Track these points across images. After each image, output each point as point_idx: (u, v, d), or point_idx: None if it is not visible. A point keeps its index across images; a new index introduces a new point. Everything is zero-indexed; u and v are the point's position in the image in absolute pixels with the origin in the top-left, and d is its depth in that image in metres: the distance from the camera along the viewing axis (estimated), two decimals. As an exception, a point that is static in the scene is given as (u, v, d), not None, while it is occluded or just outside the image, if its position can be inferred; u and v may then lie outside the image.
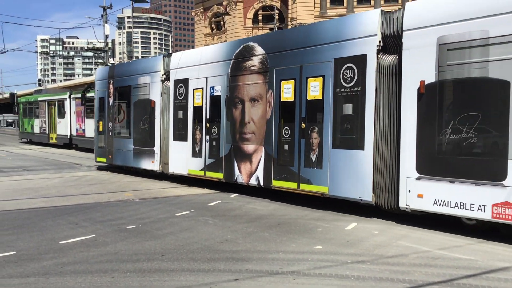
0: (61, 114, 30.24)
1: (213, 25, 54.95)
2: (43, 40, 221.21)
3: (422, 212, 8.36)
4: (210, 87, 12.88)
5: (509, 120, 7.11)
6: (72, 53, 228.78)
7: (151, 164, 15.10)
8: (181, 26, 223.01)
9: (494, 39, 7.25)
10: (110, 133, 17.36)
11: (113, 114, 17.15)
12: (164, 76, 14.66)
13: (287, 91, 10.74)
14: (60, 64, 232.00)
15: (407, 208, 8.42)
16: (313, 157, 10.13)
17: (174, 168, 14.18)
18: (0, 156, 24.63)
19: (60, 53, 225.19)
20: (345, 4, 44.44)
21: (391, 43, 8.87)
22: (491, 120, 7.38)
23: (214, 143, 12.75)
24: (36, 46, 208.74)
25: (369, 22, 9.19)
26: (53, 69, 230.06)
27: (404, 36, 8.49)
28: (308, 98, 10.26)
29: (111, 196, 12.03)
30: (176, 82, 14.03)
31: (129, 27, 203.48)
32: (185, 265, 6.18)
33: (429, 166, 8.07)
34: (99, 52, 35.67)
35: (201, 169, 13.14)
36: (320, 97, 9.98)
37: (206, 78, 13.00)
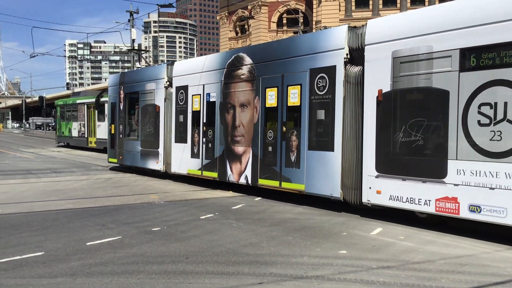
0: (102, 117, 28.74)
1: (237, 28, 55.16)
2: (71, 45, 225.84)
3: (380, 206, 9.24)
4: (207, 94, 13.97)
5: (448, 125, 8.01)
6: (99, 57, 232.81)
7: (156, 164, 16.19)
8: (206, 30, 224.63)
9: (437, 53, 8.19)
10: (121, 136, 18.53)
11: (123, 118, 18.32)
12: (168, 83, 15.76)
13: (271, 97, 11.74)
14: (88, 68, 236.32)
15: (368, 203, 9.40)
16: (292, 158, 11.10)
17: (176, 168, 15.26)
18: (29, 159, 25.19)
19: (88, 57, 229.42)
20: (370, 7, 44.09)
21: (357, 55, 9.78)
22: (434, 125, 8.29)
23: (210, 145, 13.83)
24: (65, 51, 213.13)
25: (337, 37, 10.14)
26: (80, 73, 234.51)
27: (366, 49, 9.45)
28: (288, 104, 11.26)
29: (137, 198, 12.18)
30: (178, 88, 15.19)
31: (155, 32, 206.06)
32: (209, 268, 6.21)
33: (385, 166, 9.03)
34: (141, 52, 35.26)
35: (199, 169, 14.20)
36: (298, 104, 10.97)
37: (203, 85, 14.07)
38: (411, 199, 8.56)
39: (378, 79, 9.15)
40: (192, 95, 14.52)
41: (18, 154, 28.08)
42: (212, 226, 8.77)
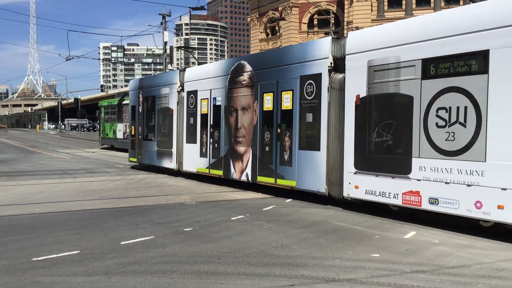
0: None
1: (268, 30, 55.18)
2: (105, 47, 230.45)
3: (358, 200, 10.25)
4: (213, 98, 15.03)
5: (412, 126, 8.92)
6: (132, 60, 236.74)
7: (170, 163, 17.34)
8: (237, 31, 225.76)
9: (403, 63, 9.12)
10: (140, 136, 19.76)
11: (142, 120, 19.54)
12: (180, 87, 16.91)
13: (268, 102, 12.78)
14: (121, 70, 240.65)
15: (348, 197, 10.42)
16: (286, 157, 12.12)
17: (187, 166, 16.36)
18: (65, 159, 25.83)
19: (121, 59, 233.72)
20: (403, 6, 43.42)
21: (340, 64, 10.74)
22: (401, 127, 9.22)
23: (216, 145, 14.89)
24: (99, 53, 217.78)
25: (323, 47, 11.12)
26: (114, 75, 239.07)
27: (346, 59, 10.42)
28: (282, 108, 12.27)
29: (169, 198, 12.33)
30: (188, 93, 16.30)
31: (187, 34, 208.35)
32: (241, 269, 6.23)
33: (362, 163, 10.05)
34: (190, 50, 34.87)
35: (207, 167, 15.27)
36: (291, 107, 11.98)
37: (211, 90, 15.14)
38: (383, 193, 9.56)
39: (356, 85, 10.11)
40: (201, 99, 15.61)
41: (54, 155, 28.84)
42: (243, 227, 8.80)
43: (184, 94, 16.52)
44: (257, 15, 55.75)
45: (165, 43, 36.89)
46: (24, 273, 6.03)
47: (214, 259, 6.69)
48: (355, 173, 10.20)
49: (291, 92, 11.95)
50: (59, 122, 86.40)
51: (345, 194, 10.49)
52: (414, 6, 43.15)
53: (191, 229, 8.63)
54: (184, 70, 16.96)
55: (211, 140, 15.10)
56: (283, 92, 12.21)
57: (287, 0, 49.90)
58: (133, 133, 20.49)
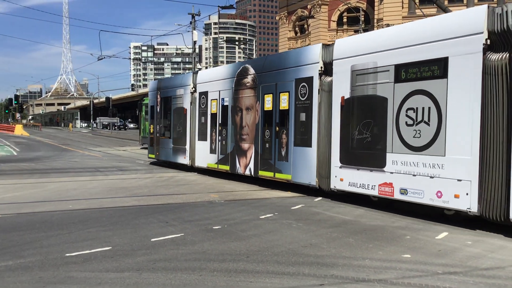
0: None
1: (297, 28, 54.91)
2: (135, 47, 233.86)
3: (343, 191, 11.25)
4: (222, 98, 16.12)
5: (387, 124, 9.98)
6: (162, 59, 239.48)
7: (184, 159, 18.55)
8: (265, 30, 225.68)
9: (380, 68, 10.15)
10: (158, 134, 21.04)
11: (160, 119, 20.84)
12: (193, 89, 18.05)
13: (268, 102, 13.82)
14: (151, 69, 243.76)
15: (334, 188, 11.44)
16: (283, 153, 13.17)
17: (199, 162, 17.63)
18: (97, 157, 26.33)
19: (151, 59, 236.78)
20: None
21: (329, 68, 11.68)
22: (378, 125, 10.27)
23: (224, 142, 15.99)
24: (130, 53, 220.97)
25: (314, 53, 12.18)
26: (144, 74, 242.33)
27: (333, 63, 11.44)
28: (280, 108, 13.32)
29: (198, 196, 12.43)
30: (200, 94, 17.52)
31: (215, 33, 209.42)
32: (270, 268, 6.23)
33: (346, 158, 11.09)
34: (237, 44, 34.57)
35: (215, 163, 16.43)
36: (287, 108, 13.03)
37: (219, 91, 16.25)
38: (363, 185, 10.60)
39: (341, 87, 11.14)
40: (211, 100, 16.79)
41: (86, 153, 29.44)
42: (271, 226, 8.80)
43: (197, 95, 17.73)
44: (285, 13, 55.56)
45: (194, 42, 37.16)
46: (57, 268, 6.17)
47: (243, 257, 6.71)
48: (340, 167, 11.24)
49: (287, 93, 13.02)
50: (91, 120, 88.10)
51: (332, 186, 11.50)
52: (446, 2, 42.25)
53: (220, 227, 8.68)
54: (196, 72, 18.31)
55: (219, 137, 16.22)
56: (280, 94, 13.30)
57: (316, -2, 49.57)
58: (151, 131, 21.82)
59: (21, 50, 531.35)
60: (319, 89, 11.95)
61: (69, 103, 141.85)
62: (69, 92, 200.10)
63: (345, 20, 49.60)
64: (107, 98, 66.57)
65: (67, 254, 6.77)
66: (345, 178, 11.09)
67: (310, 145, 12.19)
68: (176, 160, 19.20)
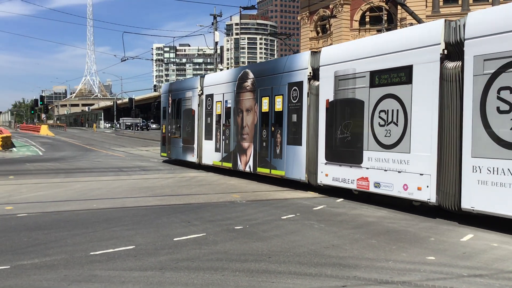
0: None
1: (318, 28, 54.66)
2: (158, 48, 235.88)
3: (328, 186, 12.34)
4: (225, 100, 17.29)
5: (363, 125, 11.04)
6: (184, 60, 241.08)
7: (192, 157, 19.78)
8: (287, 30, 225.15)
9: (358, 74, 11.28)
10: (169, 134, 22.30)
11: (171, 120, 22.11)
12: (201, 91, 19.25)
13: (265, 104, 14.96)
14: (173, 70, 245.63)
15: (321, 183, 12.55)
16: (278, 151, 14.27)
17: (205, 160, 18.83)
18: (120, 157, 26.65)
19: (173, 60, 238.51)
20: (459, 2, 41.86)
21: (317, 74, 12.78)
22: (356, 125, 11.32)
23: (227, 141, 17.14)
24: (152, 54, 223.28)
25: (304, 59, 13.32)
26: (166, 75, 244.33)
27: (320, 69, 12.56)
28: (275, 110, 14.42)
29: (219, 197, 12.47)
30: (206, 96, 18.76)
31: (237, 34, 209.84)
32: (292, 268, 6.21)
33: (330, 155, 12.22)
34: (283, 38, 34.34)
35: (220, 160, 17.58)
36: (281, 109, 14.13)
37: (223, 93, 17.45)
38: (344, 179, 11.72)
39: (327, 91, 12.25)
40: (216, 102, 17.98)
41: (109, 153, 29.83)
42: (293, 227, 8.78)
43: (203, 97, 18.98)
44: (307, 13, 55.37)
45: (216, 43, 37.32)
46: (82, 266, 6.26)
47: (264, 257, 6.71)
48: (325, 163, 12.35)
49: (281, 96, 14.12)
50: (114, 121, 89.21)
51: (318, 181, 12.61)
52: (471, 1, 41.51)
53: (241, 227, 8.69)
54: (203, 76, 19.53)
55: (223, 137, 17.43)
56: (276, 96, 14.40)
57: (338, -2, 49.24)
58: (163, 131, 23.11)
59: (46, 51, 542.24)
60: (308, 93, 13.03)
61: (93, 104, 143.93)
62: (93, 93, 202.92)
63: (367, 19, 49.20)
64: (130, 99, 67.26)
65: (92, 253, 6.87)
66: (329, 173, 12.19)
67: (300, 144, 13.24)
68: (185, 158, 20.41)
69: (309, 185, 13.16)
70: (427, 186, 9.55)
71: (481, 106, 8.54)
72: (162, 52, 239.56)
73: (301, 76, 13.30)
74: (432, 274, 5.98)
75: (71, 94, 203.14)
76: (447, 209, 9.29)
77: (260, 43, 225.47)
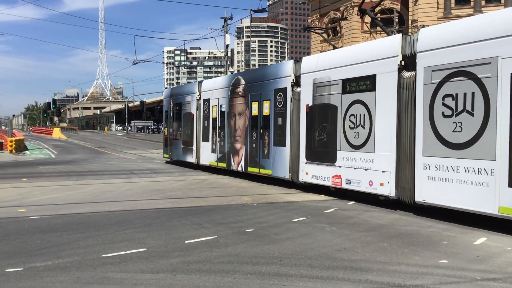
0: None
1: (329, 31, 54.55)
2: (169, 51, 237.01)
3: (308, 183, 13.46)
4: (220, 105, 18.54)
5: (337, 128, 12.24)
6: (194, 63, 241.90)
7: (191, 158, 21.02)
8: (297, 33, 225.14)
9: (332, 81, 12.47)
10: (171, 136, 23.61)
11: (172, 123, 23.34)
12: (199, 96, 20.53)
13: (255, 109, 16.15)
14: (184, 73, 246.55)
15: (302, 180, 13.70)
16: (265, 151, 15.45)
17: (203, 160, 20.07)
18: (131, 160, 26.79)
19: (184, 63, 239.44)
20: (472, 3, 41.53)
21: (298, 81, 13.94)
22: (331, 128, 12.52)
23: (222, 143, 18.40)
24: (163, 57, 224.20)
25: (287, 68, 14.57)
26: (177, 78, 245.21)
27: (301, 77, 13.80)
28: (263, 114, 15.62)
29: (230, 199, 12.48)
30: (204, 101, 20.02)
31: (247, 36, 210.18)
32: (303, 271, 6.19)
33: (310, 155, 13.37)
34: (320, 32, 34.03)
35: (215, 161, 18.85)
36: (268, 113, 15.34)
37: (218, 98, 18.73)
38: (321, 177, 12.86)
39: (307, 97, 13.44)
40: (212, 106, 19.20)
41: (121, 155, 29.99)
42: (305, 230, 8.75)
43: (201, 102, 20.22)
44: (318, 16, 55.28)
45: (227, 46, 37.40)
46: (94, 268, 6.30)
47: (276, 260, 6.69)
48: (306, 163, 13.50)
49: (269, 101, 15.30)
50: (126, 124, 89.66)
51: (300, 179, 13.77)
52: (483, 3, 41.17)
53: (252, 230, 8.68)
54: (201, 82, 20.82)
55: (218, 139, 18.65)
56: (264, 101, 15.56)
57: (349, 0, 49.16)
58: (165, 133, 24.44)
59: (59, 55, 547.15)
60: (291, 98, 14.22)
61: (104, 107, 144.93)
62: (105, 96, 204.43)
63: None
64: (141, 102, 67.48)
65: (104, 255, 6.91)
66: (309, 172, 13.36)
67: (285, 145, 14.43)
68: (185, 159, 21.69)
69: (293, 183, 14.26)
70: (388, 182, 10.70)
71: (429, 111, 9.72)
72: (173, 55, 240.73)
73: (285, 83, 14.51)
74: (445, 277, 5.93)
75: (83, 97, 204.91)
76: (405, 202, 10.43)
77: (271, 46, 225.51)
